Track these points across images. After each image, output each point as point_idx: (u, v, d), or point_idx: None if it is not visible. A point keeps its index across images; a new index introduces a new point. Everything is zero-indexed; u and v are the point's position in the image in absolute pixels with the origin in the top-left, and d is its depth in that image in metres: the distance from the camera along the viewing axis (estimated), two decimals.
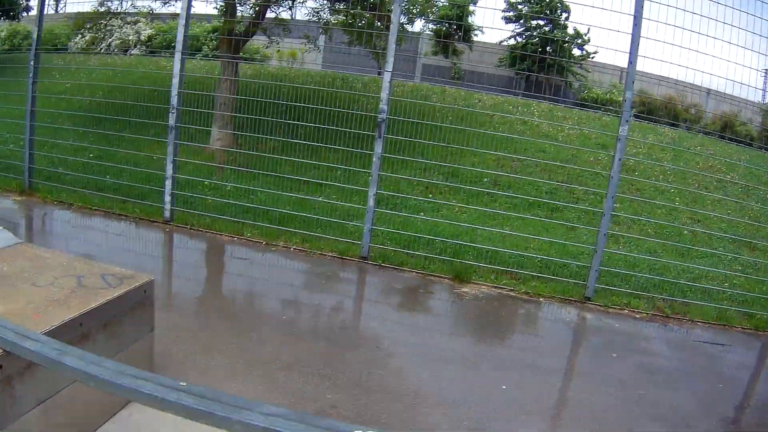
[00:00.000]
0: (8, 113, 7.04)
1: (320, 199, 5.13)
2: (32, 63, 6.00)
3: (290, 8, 7.69)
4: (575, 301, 4.23)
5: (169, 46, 13.66)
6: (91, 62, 11.21)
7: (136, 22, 14.47)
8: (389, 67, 4.20)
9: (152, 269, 4.20)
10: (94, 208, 5.71)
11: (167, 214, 5.19)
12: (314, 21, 7.49)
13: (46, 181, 6.34)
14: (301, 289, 4.05)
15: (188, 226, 5.10)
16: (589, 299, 4.25)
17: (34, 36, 6.02)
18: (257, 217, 5.04)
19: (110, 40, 13.60)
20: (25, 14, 12.41)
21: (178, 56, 4.92)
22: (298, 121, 5.01)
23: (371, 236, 4.42)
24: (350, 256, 4.44)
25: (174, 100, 4.96)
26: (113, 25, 13.77)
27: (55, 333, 1.99)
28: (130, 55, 14.08)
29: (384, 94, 4.24)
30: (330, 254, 4.50)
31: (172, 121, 5.01)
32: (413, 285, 4.23)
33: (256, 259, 4.50)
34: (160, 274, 4.21)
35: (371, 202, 4.33)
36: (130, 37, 14.96)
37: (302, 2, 7.45)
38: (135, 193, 5.55)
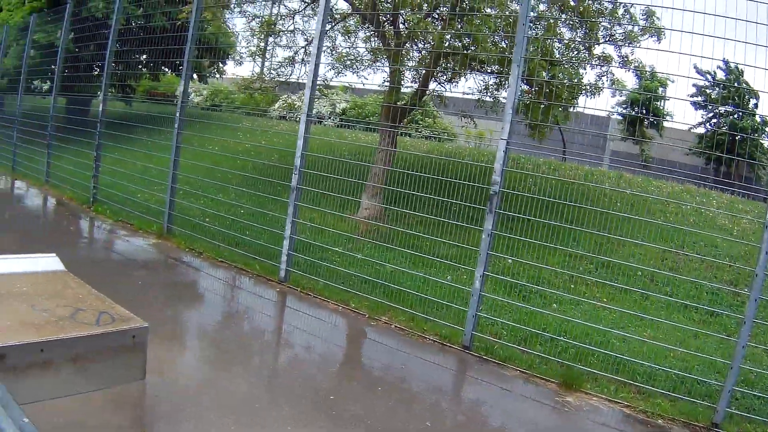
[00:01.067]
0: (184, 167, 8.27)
1: (422, 274, 5.34)
2: (178, 115, 7.08)
3: (449, 81, 8.24)
4: (700, 426, 3.91)
5: (366, 118, 15.42)
6: (280, 127, 12.70)
7: (332, 95, 16.52)
8: (504, 134, 4.37)
9: (240, 327, 4.81)
10: (220, 259, 6.53)
11: (282, 274, 5.80)
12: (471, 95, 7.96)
13: (182, 228, 7.30)
14: (382, 380, 4.22)
15: (298, 289, 5.60)
16: (716, 426, 3.90)
17: (180, 90, 7.13)
18: (366, 288, 5.37)
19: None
20: (218, 75, 14.59)
21: (303, 118, 5.56)
22: (425, 192, 5.28)
23: (476, 323, 4.49)
24: (451, 343, 4.56)
25: (297, 162, 5.64)
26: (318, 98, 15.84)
27: (9, 349, 2.35)
28: (324, 125, 15.91)
29: (498, 165, 4.43)
30: (431, 337, 4.66)
31: (294, 182, 5.63)
32: (509, 387, 4.21)
33: (351, 333, 4.80)
34: (242, 333, 4.80)
35: (477, 284, 4.45)
36: (324, 108, 16.97)
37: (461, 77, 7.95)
38: (264, 252, 6.31)
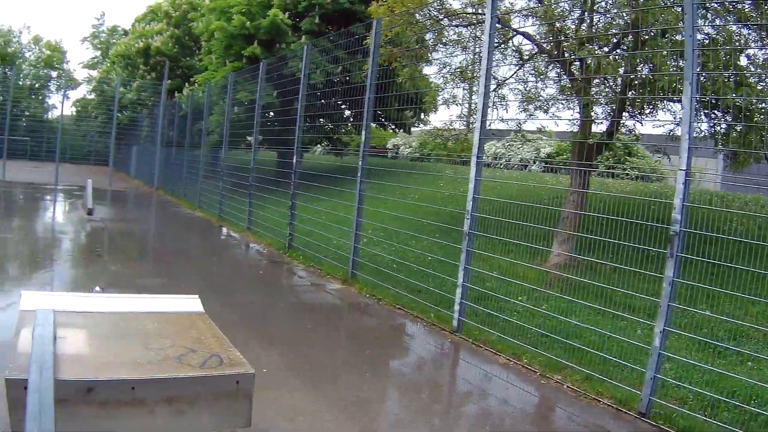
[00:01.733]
0: (373, 215, 9.14)
1: (602, 330, 5.22)
2: (360, 164, 7.77)
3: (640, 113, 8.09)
4: None
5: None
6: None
7: (537, 140, 17.07)
8: (683, 164, 4.22)
9: (401, 378, 5.21)
10: (398, 306, 7.04)
11: (455, 323, 6.10)
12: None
13: (366, 275, 7.96)
14: None
15: (470, 340, 5.83)
16: None
17: (363, 139, 7.81)
18: (543, 342, 5.41)
19: (509, 156, 16.37)
20: (420, 125, 15.60)
21: (473, 161, 5.84)
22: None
23: (655, 386, 4.32)
24: (627, 409, 4.44)
25: (469, 206, 5.92)
26: (513, 142, 16.52)
27: (99, 385, 2.53)
28: (528, 170, 16.39)
29: (677, 200, 4.26)
30: (605, 401, 4.57)
31: (466, 227, 5.91)
32: None
33: (517, 392, 4.87)
34: (401, 385, 5.08)
35: (657, 341, 4.29)
36: (528, 154, 17.55)
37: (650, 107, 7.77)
38: (440, 300, 6.70)
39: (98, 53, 44.99)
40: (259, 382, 4.57)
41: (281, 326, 6.37)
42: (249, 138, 13.94)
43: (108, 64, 35.32)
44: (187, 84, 22.75)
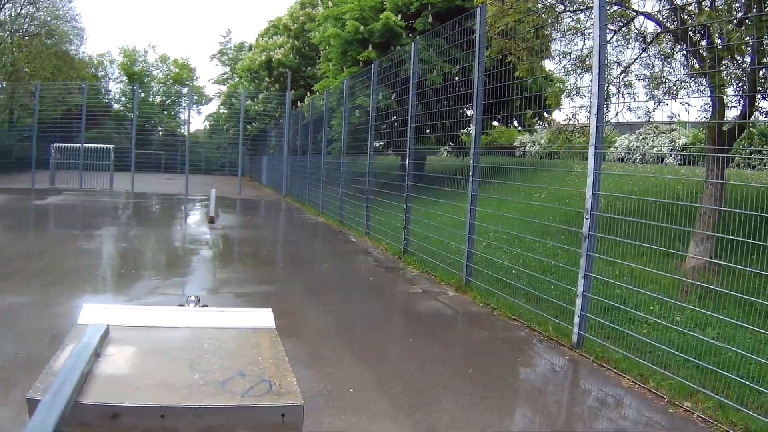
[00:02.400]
0: (493, 218, 8.66)
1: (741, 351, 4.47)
2: (472, 162, 7.39)
3: None
4: None
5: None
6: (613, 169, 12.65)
7: (671, 131, 15.96)
8: None
9: (508, 401, 4.68)
10: (513, 317, 6.56)
11: (574, 338, 5.57)
12: None
13: (480, 282, 7.52)
14: None
15: (591, 358, 5.26)
16: None
17: (473, 135, 7.40)
18: (674, 362, 4.75)
19: (644, 149, 15.42)
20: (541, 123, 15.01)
21: (591, 151, 5.23)
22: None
23: None
24: None
25: (588, 204, 5.35)
26: (648, 134, 15.52)
27: (125, 411, 2.26)
28: (665, 163, 15.40)
29: None
30: None
31: (585, 228, 5.34)
32: None
33: (640, 421, 4.25)
34: (505, 409, 4.57)
35: None
36: (665, 147, 16.46)
37: None
38: (560, 312, 6.12)
39: (227, 69, 47.36)
40: (341, 403, 4.39)
41: (381, 339, 6.05)
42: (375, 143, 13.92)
43: (236, 79, 37.00)
44: (308, 93, 23.28)
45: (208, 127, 42.46)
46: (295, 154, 23.15)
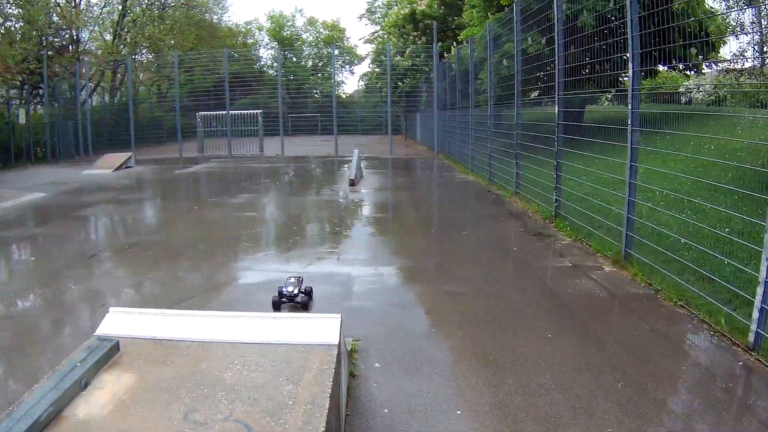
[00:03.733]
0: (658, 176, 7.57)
1: None
2: (630, 108, 6.41)
3: None
4: None
5: None
6: None
7: None
8: None
9: (656, 417, 3.50)
10: (680, 303, 5.45)
11: (752, 337, 4.36)
12: None
13: (642, 255, 6.42)
14: None
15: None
16: None
17: (630, 75, 6.23)
18: None
19: None
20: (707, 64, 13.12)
21: None
22: None
23: None
24: None
25: None
26: None
27: None
28: None
29: None
30: None
31: None
32: None
33: None
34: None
35: None
36: None
37: None
38: (736, 300, 4.89)
39: (377, 27, 47.21)
40: None
41: (513, 331, 5.02)
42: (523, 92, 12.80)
43: (385, 36, 36.67)
44: (454, 44, 22.29)
45: (363, 86, 42.73)
46: (444, 109, 22.43)
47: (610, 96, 11.67)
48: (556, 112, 9.04)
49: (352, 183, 14.91)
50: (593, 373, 4.19)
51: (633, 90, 6.46)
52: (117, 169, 20.51)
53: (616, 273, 6.59)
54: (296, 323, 3.33)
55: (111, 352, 2.85)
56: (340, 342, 3.20)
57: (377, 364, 4.37)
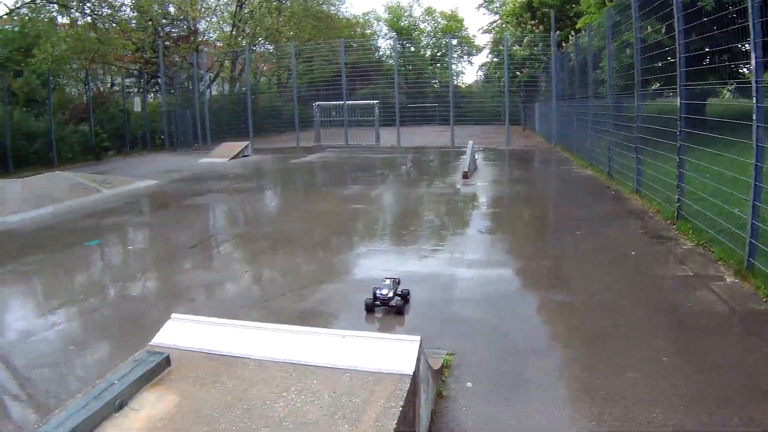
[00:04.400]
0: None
1: None
2: (755, 101, 5.67)
3: None
4: None
5: None
6: None
7: None
8: None
9: None
10: None
11: None
12: None
13: (766, 267, 5.78)
14: None
15: None
16: None
17: (753, 65, 5.65)
18: None
19: None
20: None
21: None
22: None
23: None
24: None
25: None
26: None
27: None
28: None
29: None
30: None
31: None
32: None
33: None
34: None
35: None
36: None
37: None
38: None
39: (495, 17, 46.34)
40: None
41: (625, 351, 4.56)
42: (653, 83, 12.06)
43: (503, 26, 35.91)
44: (572, 32, 21.40)
45: (481, 76, 42.13)
46: (563, 99, 21.62)
47: (731, 88, 10.76)
48: (678, 104, 8.39)
49: (465, 176, 14.68)
50: (709, 407, 3.72)
51: (757, 82, 5.86)
52: (233, 157, 21.21)
53: (738, 285, 6.00)
54: (367, 344, 3.08)
55: (159, 368, 2.76)
56: (417, 369, 2.96)
57: (469, 384, 4.10)
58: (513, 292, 6.36)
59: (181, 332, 3.17)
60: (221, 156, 21.31)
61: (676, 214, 8.63)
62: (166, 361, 2.83)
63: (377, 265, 7.40)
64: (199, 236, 9.57)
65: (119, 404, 2.45)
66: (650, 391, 3.93)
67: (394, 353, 2.92)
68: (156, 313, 5.77)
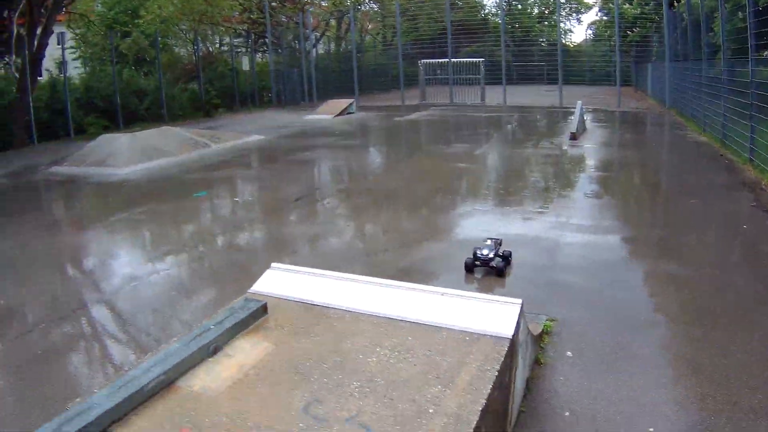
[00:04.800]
0: None
1: None
2: None
3: None
4: None
5: None
6: None
7: None
8: None
9: None
10: None
11: None
12: None
13: None
14: None
15: None
16: None
17: None
18: None
19: None
20: None
21: None
22: None
23: None
24: None
25: None
26: None
27: None
28: None
29: None
30: None
31: None
32: None
33: None
34: None
35: None
36: None
37: None
38: None
39: None
40: None
41: (734, 331, 4.25)
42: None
43: None
44: None
45: (591, 35, 40.46)
46: (676, 60, 20.57)
47: None
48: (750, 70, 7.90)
49: (574, 137, 14.42)
50: None
51: None
52: (338, 115, 21.71)
53: None
54: (466, 304, 2.91)
55: (256, 315, 2.76)
56: (516, 333, 2.80)
57: (569, 353, 3.97)
58: (619, 260, 6.13)
59: (279, 282, 3.20)
60: (327, 113, 21.82)
61: None
62: (263, 309, 2.85)
63: (479, 225, 7.36)
64: (304, 190, 9.95)
65: (213, 349, 2.48)
66: (758, 376, 3.67)
67: (494, 315, 2.80)
68: (258, 262, 5.78)
